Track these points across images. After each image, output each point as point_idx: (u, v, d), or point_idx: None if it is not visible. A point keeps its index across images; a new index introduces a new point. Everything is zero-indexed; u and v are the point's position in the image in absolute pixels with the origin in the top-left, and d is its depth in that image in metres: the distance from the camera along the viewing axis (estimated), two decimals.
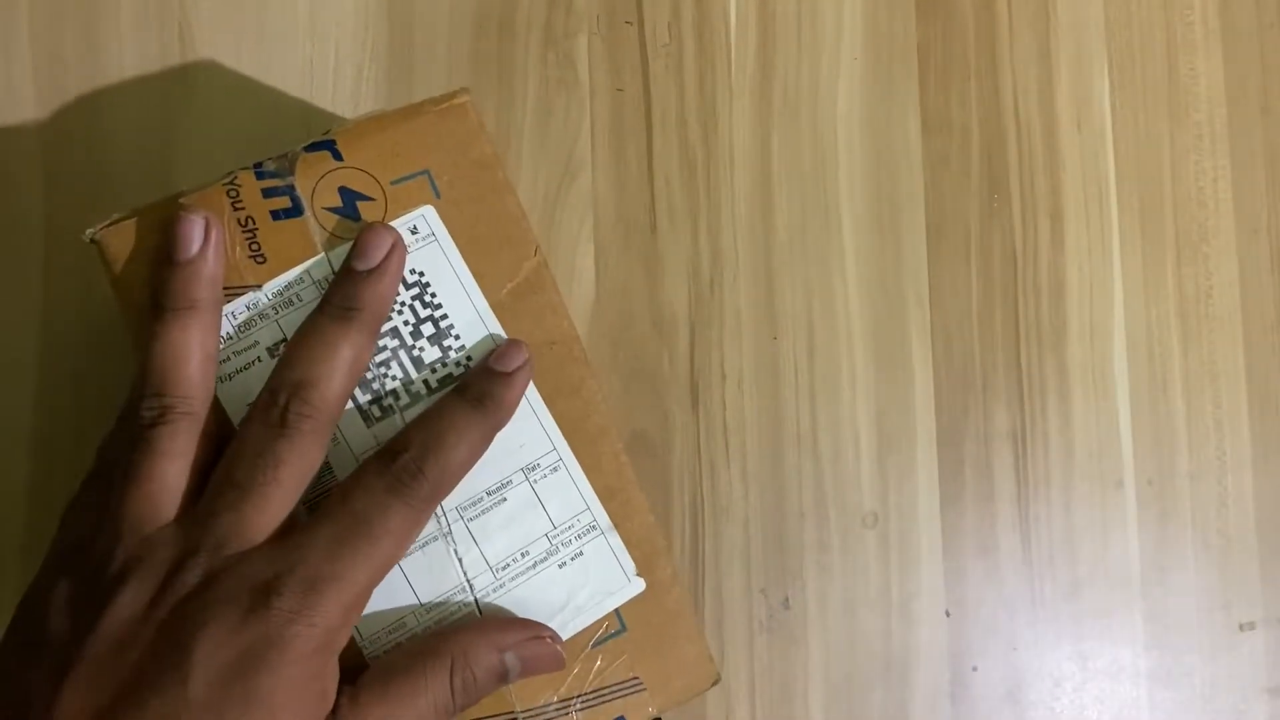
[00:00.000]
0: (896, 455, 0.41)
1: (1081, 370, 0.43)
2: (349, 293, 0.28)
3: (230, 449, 0.27)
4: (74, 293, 0.36)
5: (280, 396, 0.27)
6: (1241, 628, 0.43)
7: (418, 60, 0.39)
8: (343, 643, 0.26)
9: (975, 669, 0.41)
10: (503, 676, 0.27)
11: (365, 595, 0.26)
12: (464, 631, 0.28)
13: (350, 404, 0.29)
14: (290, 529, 0.27)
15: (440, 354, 0.30)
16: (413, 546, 0.29)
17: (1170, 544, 0.43)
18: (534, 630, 0.28)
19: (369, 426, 0.29)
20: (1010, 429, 0.42)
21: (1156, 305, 0.44)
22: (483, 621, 0.28)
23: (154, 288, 0.28)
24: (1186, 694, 0.42)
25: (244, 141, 0.37)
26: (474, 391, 0.28)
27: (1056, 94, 0.44)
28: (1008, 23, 0.44)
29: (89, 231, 0.29)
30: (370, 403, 0.29)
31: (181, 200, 0.29)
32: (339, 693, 0.26)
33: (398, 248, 0.29)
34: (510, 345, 0.29)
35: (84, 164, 0.36)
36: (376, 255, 0.28)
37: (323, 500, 0.28)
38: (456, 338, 0.30)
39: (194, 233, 0.28)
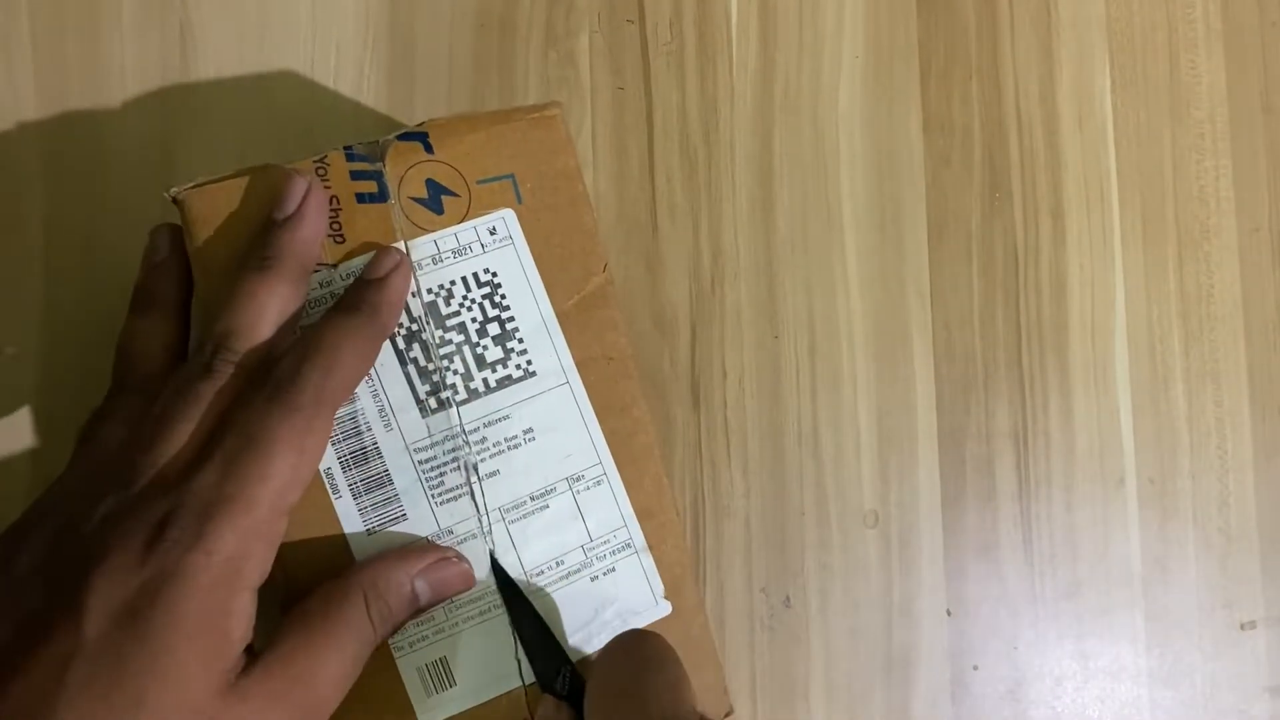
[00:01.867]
0: (898, 454, 0.41)
1: (1083, 369, 0.43)
2: (266, 242, 0.28)
3: (158, 395, 0.27)
4: (74, 293, 0.36)
5: (207, 346, 0.27)
6: (1243, 627, 0.43)
7: (419, 59, 0.39)
8: (253, 575, 0.25)
9: (976, 668, 0.41)
10: (414, 602, 0.27)
11: (272, 517, 0.25)
12: (371, 563, 0.27)
13: (409, 394, 0.29)
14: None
15: (502, 354, 0.30)
16: (451, 540, 0.29)
17: (1171, 542, 0.43)
18: (438, 553, 0.28)
19: (424, 417, 0.29)
20: (1011, 427, 0.42)
21: (1158, 303, 0.44)
22: (388, 551, 0.28)
23: (251, 244, 0.28)
24: (1188, 693, 0.42)
25: (246, 141, 0.37)
26: (348, 300, 0.28)
27: (1058, 92, 0.44)
28: (1009, 21, 0.44)
29: (172, 190, 0.29)
30: (428, 394, 0.29)
31: (278, 166, 0.29)
32: (266, 648, 0.25)
33: (313, 193, 0.29)
34: (381, 252, 0.29)
35: (85, 162, 0.36)
36: (291, 204, 0.28)
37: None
38: (520, 341, 0.30)
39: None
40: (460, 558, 0.29)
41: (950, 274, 0.42)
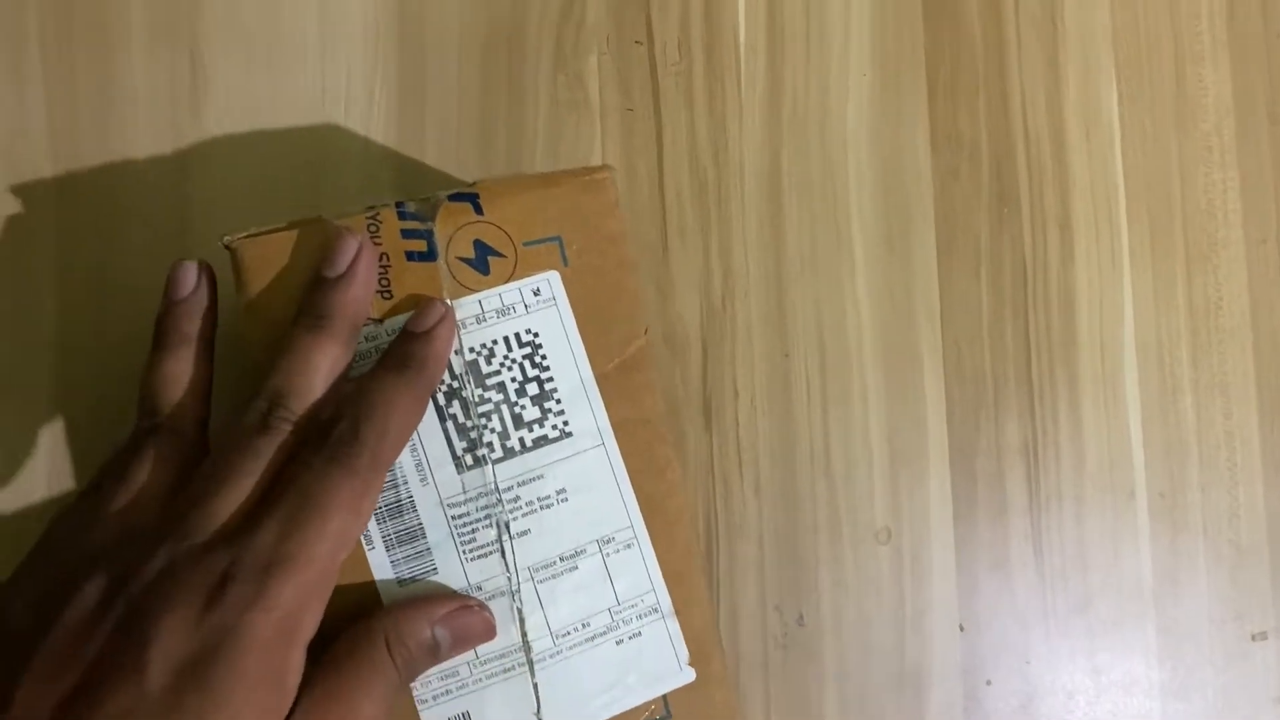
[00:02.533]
0: (909, 470, 0.41)
1: (1092, 382, 0.43)
2: (318, 300, 0.29)
3: (212, 448, 0.28)
4: (87, 321, 0.36)
5: (261, 402, 0.28)
6: (1254, 638, 0.43)
7: (429, 82, 0.39)
8: (308, 630, 0.25)
9: (989, 683, 0.41)
10: (435, 648, 0.28)
11: (326, 575, 0.26)
12: (393, 609, 0.28)
13: (446, 450, 0.29)
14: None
15: (540, 414, 0.30)
16: (479, 596, 0.29)
17: (1182, 555, 0.43)
18: (460, 601, 0.28)
19: (459, 473, 0.29)
20: (1022, 442, 0.42)
21: (1166, 316, 0.44)
22: (411, 597, 0.29)
23: (303, 302, 0.29)
24: (1199, 706, 0.42)
25: (257, 167, 0.37)
26: (396, 356, 0.29)
27: (1065, 105, 0.44)
28: (1015, 35, 0.44)
29: (226, 238, 0.30)
30: (465, 450, 0.29)
31: (327, 221, 0.30)
32: (300, 695, 0.25)
33: (364, 253, 0.29)
34: (426, 305, 0.29)
35: (96, 189, 0.37)
36: (343, 263, 0.29)
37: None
38: (558, 402, 0.30)
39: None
40: (482, 606, 0.29)
41: (959, 289, 0.42)
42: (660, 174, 0.40)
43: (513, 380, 0.30)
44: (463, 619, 0.28)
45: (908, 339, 0.42)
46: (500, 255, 0.31)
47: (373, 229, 0.30)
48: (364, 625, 0.27)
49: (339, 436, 0.27)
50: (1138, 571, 0.42)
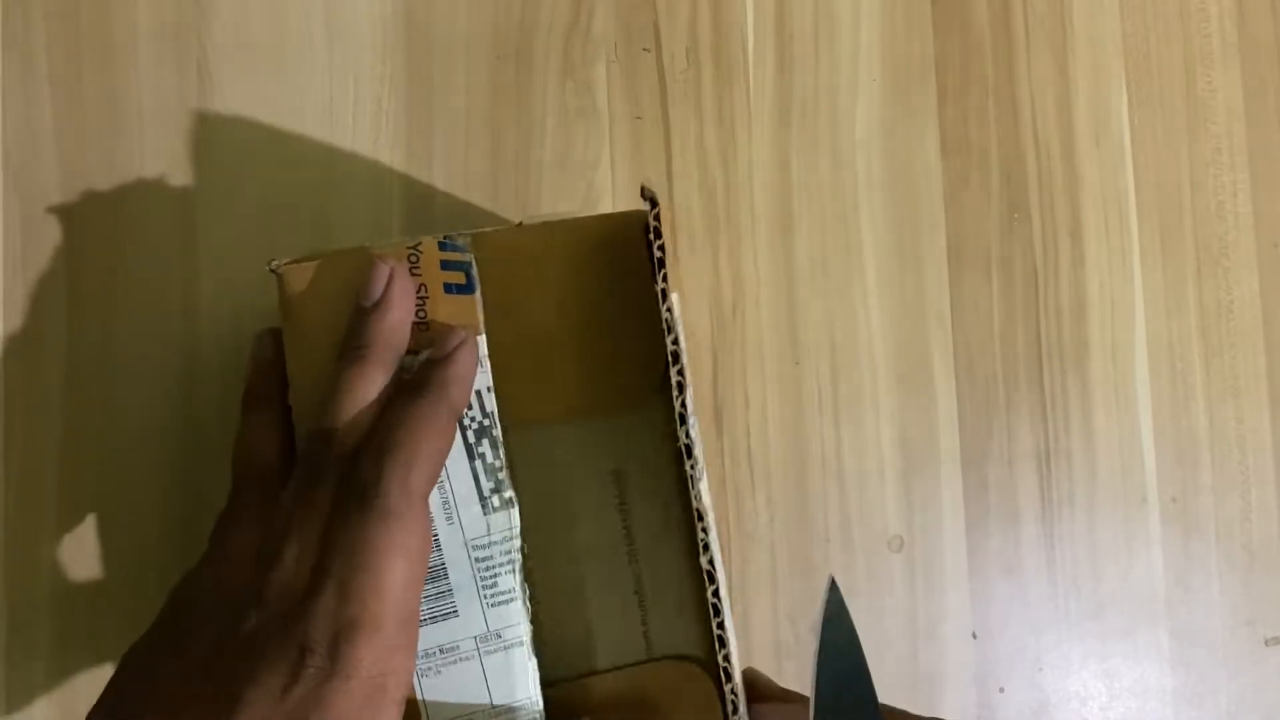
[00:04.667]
0: (921, 477, 0.41)
1: (1103, 388, 0.43)
2: (357, 330, 0.29)
3: (278, 501, 0.28)
4: (96, 334, 0.36)
5: (312, 445, 0.28)
6: (1267, 643, 0.43)
7: (437, 91, 0.39)
8: (398, 688, 0.25)
9: (1002, 690, 0.41)
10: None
11: (401, 627, 0.26)
12: None
13: (473, 489, 0.29)
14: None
15: None
16: (498, 644, 0.28)
17: (1194, 560, 0.43)
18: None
19: (485, 515, 0.29)
20: (1034, 448, 0.42)
21: (1177, 320, 0.44)
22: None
23: (345, 334, 0.29)
24: (1213, 711, 0.42)
25: (265, 178, 0.37)
26: (416, 382, 0.28)
27: (1075, 110, 0.44)
28: (1024, 40, 0.43)
29: (273, 263, 0.30)
30: (492, 491, 0.29)
31: (368, 250, 0.29)
32: None
33: (395, 279, 0.29)
34: (446, 330, 0.29)
35: (104, 201, 0.36)
36: (377, 290, 0.29)
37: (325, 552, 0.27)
38: None
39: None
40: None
41: (970, 295, 0.42)
42: (669, 181, 0.40)
43: None
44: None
45: (919, 346, 0.41)
46: None
47: (413, 259, 0.29)
48: None
49: (363, 479, 0.26)
50: (1150, 577, 0.42)
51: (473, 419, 0.29)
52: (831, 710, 0.28)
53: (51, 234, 0.36)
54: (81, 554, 0.36)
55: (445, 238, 0.30)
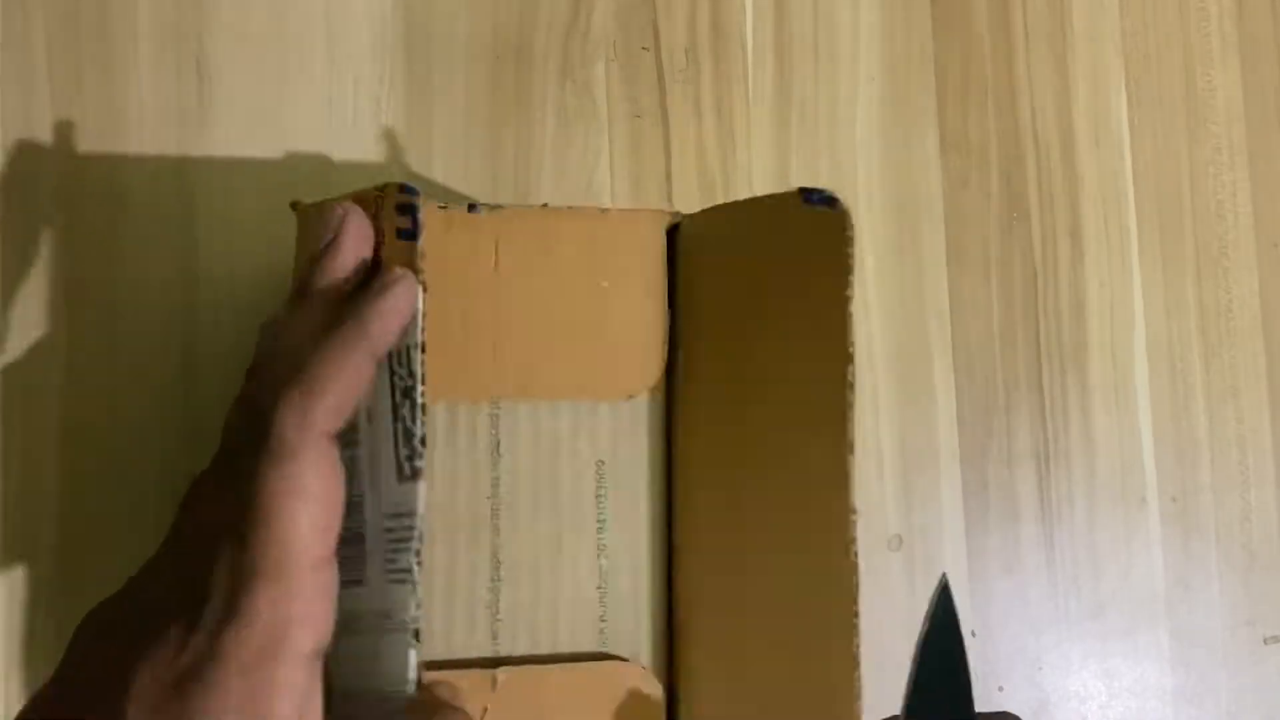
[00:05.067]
0: (920, 477, 0.41)
1: (1103, 387, 0.43)
2: (302, 274, 0.28)
3: None
4: (94, 330, 0.36)
5: (247, 385, 0.27)
6: (1266, 642, 0.43)
7: (436, 92, 0.39)
8: (304, 641, 0.23)
9: (1001, 689, 0.41)
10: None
11: (304, 574, 0.24)
12: None
13: (393, 453, 0.27)
14: None
15: None
16: (388, 624, 0.26)
17: (1194, 560, 0.43)
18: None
19: (399, 483, 0.27)
20: (1033, 448, 0.42)
21: (1177, 320, 0.44)
22: None
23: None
24: (1213, 711, 0.42)
25: (264, 177, 0.37)
26: (338, 316, 0.26)
27: (1074, 110, 0.44)
28: (1024, 40, 0.43)
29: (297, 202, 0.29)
30: (406, 458, 0.27)
31: (344, 196, 0.29)
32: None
33: (348, 220, 0.28)
34: (388, 269, 0.27)
35: (104, 203, 0.36)
36: (329, 231, 0.28)
37: None
38: None
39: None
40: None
41: (969, 295, 0.42)
42: (669, 182, 0.40)
43: None
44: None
45: (918, 346, 0.41)
46: None
47: (377, 204, 0.28)
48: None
49: (262, 410, 0.24)
50: (1150, 576, 0.42)
51: (400, 377, 0.27)
52: (925, 693, 0.28)
53: (51, 233, 0.36)
54: (81, 551, 0.36)
55: (407, 185, 0.28)
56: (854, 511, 0.27)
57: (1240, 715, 0.42)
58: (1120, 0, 0.45)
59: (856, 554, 0.27)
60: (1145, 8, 0.45)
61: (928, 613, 0.28)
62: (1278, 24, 0.46)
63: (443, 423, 0.29)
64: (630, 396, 0.30)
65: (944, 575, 0.29)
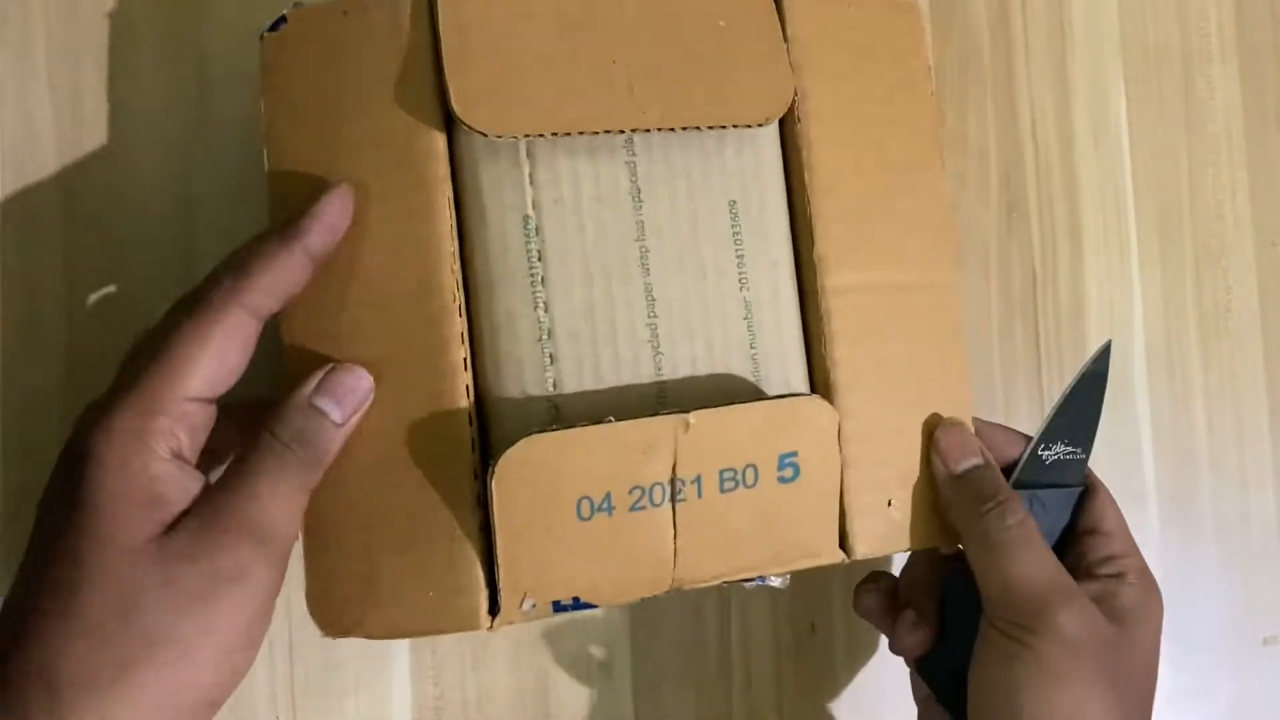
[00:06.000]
0: None
1: None
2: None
3: None
4: (95, 330, 0.36)
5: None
6: (1266, 642, 0.43)
7: None
8: (166, 444, 0.27)
9: None
10: (322, 416, 0.28)
11: (169, 395, 0.27)
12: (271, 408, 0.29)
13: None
14: None
15: None
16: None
17: (1193, 560, 0.43)
18: (324, 369, 0.29)
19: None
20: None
21: (1176, 320, 0.44)
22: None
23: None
24: (1212, 711, 0.42)
25: (265, 178, 0.37)
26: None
27: (1073, 110, 0.44)
28: (1023, 41, 0.44)
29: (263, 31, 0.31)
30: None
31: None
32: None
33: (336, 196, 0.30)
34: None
35: (104, 203, 0.37)
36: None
37: None
38: None
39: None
40: (350, 367, 0.29)
41: (969, 295, 0.42)
42: None
43: None
44: (335, 378, 0.29)
45: None
46: None
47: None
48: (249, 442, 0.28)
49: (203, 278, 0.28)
50: None
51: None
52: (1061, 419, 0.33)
53: (51, 234, 0.36)
54: None
55: None
56: None
57: (1240, 716, 0.42)
58: (1120, 1, 0.45)
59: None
60: (1145, 8, 0.45)
61: (1085, 364, 0.33)
62: (1276, 25, 0.46)
63: (587, 178, 0.30)
64: (761, 123, 0.31)
65: (1109, 341, 0.33)
